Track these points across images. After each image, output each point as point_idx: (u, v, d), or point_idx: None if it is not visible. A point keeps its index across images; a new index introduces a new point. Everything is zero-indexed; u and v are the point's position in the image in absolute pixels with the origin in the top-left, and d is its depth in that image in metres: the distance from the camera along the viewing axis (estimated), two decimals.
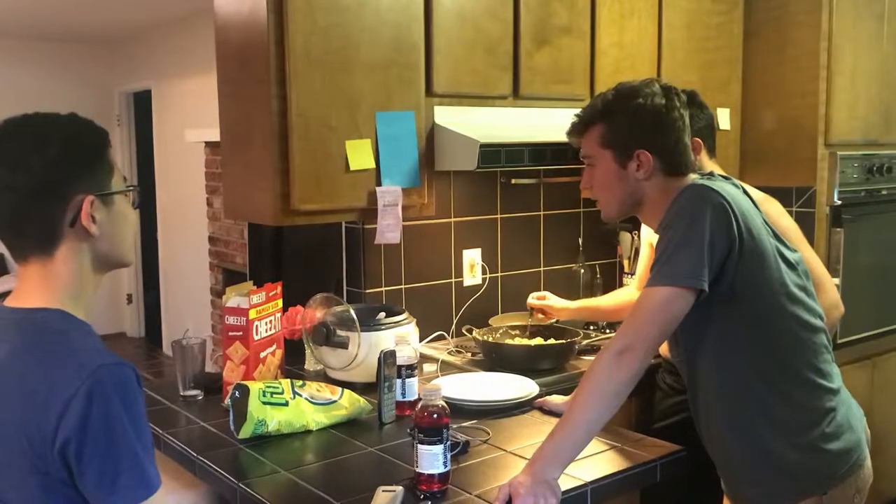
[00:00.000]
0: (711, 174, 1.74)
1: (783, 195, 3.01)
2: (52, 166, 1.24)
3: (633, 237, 2.97)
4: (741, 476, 1.72)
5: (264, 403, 1.83)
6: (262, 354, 2.09)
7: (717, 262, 1.55)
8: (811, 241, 2.96)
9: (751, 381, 1.64)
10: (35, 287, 1.28)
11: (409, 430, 1.66)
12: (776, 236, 1.66)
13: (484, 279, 2.83)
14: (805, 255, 2.18)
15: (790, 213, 2.97)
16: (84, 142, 1.29)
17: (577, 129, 1.78)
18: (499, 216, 2.88)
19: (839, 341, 2.96)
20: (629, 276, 2.95)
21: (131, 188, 1.36)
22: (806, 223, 2.97)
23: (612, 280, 3.13)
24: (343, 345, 2.16)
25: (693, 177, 1.71)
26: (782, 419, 1.64)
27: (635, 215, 1.79)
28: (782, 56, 3.03)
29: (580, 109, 1.79)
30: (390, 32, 2.26)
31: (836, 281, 2.97)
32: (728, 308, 1.61)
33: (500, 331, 2.55)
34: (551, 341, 2.46)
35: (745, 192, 1.71)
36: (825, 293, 2.18)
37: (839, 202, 3.00)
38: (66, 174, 1.25)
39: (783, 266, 1.63)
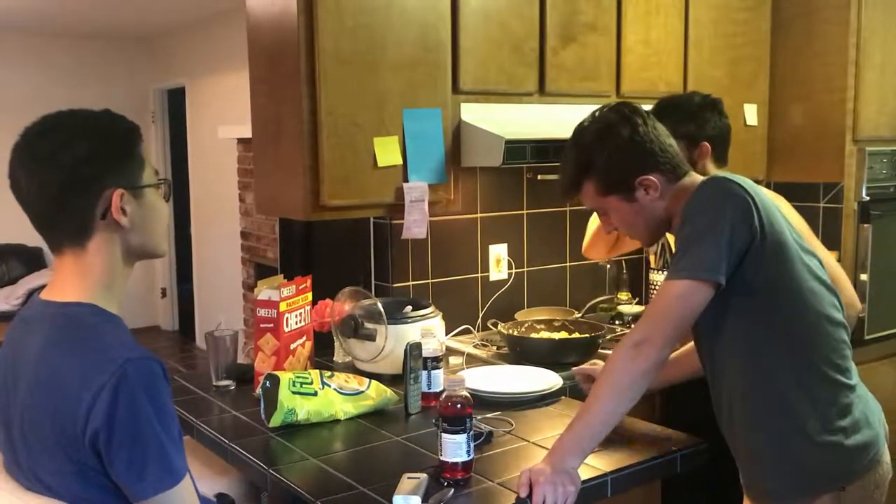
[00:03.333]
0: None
1: (810, 191, 3.02)
2: (82, 161, 1.29)
3: None
4: (759, 469, 1.72)
5: (294, 393, 1.88)
6: (293, 346, 2.15)
7: (736, 255, 1.55)
8: (838, 237, 2.96)
9: (770, 375, 1.64)
10: (69, 279, 1.33)
11: (433, 420, 1.71)
12: (792, 228, 1.66)
13: (510, 274, 2.86)
14: (819, 254, 2.19)
15: (817, 209, 2.98)
16: (115, 137, 1.34)
17: (570, 192, 1.78)
18: (525, 212, 2.90)
19: (866, 337, 2.95)
20: (655, 271, 2.97)
21: (162, 181, 1.40)
22: (833, 219, 2.96)
23: (638, 276, 3.15)
24: (371, 337, 2.21)
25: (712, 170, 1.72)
26: (801, 414, 1.63)
27: (669, 232, 1.78)
28: (810, 51, 3.02)
29: (559, 175, 1.79)
30: (417, 32, 2.30)
31: (864, 277, 2.97)
32: (749, 302, 1.61)
33: (526, 325, 2.58)
34: (576, 335, 2.49)
35: None
36: (841, 292, 2.17)
37: (867, 198, 2.98)
38: (96, 168, 1.30)
39: (804, 258, 1.63)
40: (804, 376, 1.63)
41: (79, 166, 1.29)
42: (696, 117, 2.22)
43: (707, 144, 2.21)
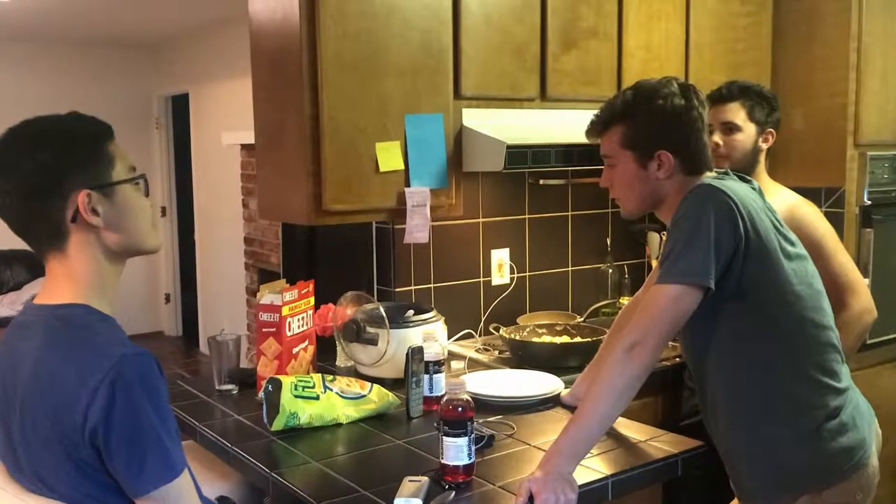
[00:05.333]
0: (727, 173, 1.76)
1: (812, 195, 3.00)
2: (42, 167, 1.29)
3: (661, 237, 2.99)
4: (743, 469, 1.75)
5: (296, 397, 1.89)
6: (295, 350, 2.16)
7: (723, 259, 1.58)
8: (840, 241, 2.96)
9: (754, 377, 1.67)
10: (59, 282, 1.35)
11: (435, 424, 1.71)
12: (784, 235, 1.68)
13: (512, 279, 2.87)
14: (840, 260, 2.21)
15: None
16: (77, 139, 1.34)
17: (597, 128, 1.80)
18: (527, 216, 2.91)
19: (868, 342, 2.94)
20: None
21: (136, 178, 1.39)
22: (835, 224, 2.93)
23: (640, 280, 3.13)
24: (373, 341, 2.22)
25: (708, 175, 1.74)
26: (784, 415, 1.66)
27: (654, 212, 1.82)
28: (811, 56, 3.03)
29: (599, 108, 1.82)
30: (419, 38, 2.31)
31: (866, 281, 2.96)
32: (735, 305, 1.64)
33: (528, 329, 2.59)
34: (578, 339, 2.50)
35: (760, 192, 1.74)
36: (858, 298, 2.20)
37: (869, 202, 2.99)
38: (56, 173, 1.30)
39: (789, 264, 1.65)
40: (787, 378, 1.66)
41: (40, 172, 1.30)
42: (768, 105, 2.40)
43: (773, 132, 2.39)
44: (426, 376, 2.04)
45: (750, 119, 2.36)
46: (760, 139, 2.38)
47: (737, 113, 2.36)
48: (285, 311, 2.11)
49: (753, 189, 1.73)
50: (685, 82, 1.77)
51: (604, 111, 1.79)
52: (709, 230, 1.57)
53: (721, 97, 2.40)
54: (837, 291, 2.15)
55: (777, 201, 2.12)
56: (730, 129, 2.36)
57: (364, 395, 1.99)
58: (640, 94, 1.75)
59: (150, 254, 1.44)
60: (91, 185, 1.32)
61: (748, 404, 1.70)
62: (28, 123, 1.34)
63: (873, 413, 1.78)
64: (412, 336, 2.18)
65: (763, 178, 2.38)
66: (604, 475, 1.64)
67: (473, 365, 2.44)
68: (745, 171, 2.04)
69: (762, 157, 2.40)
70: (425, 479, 1.57)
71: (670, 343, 1.98)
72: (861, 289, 2.22)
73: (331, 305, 2.37)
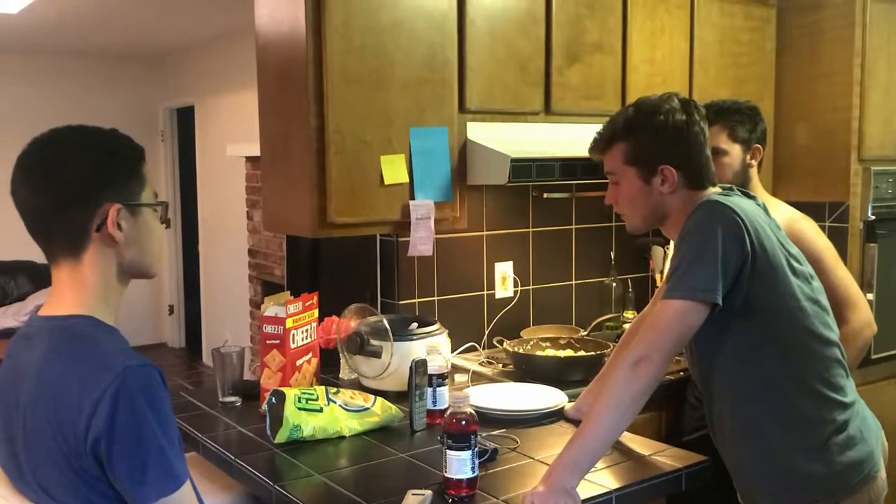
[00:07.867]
0: (731, 188, 1.77)
1: (816, 210, 3.02)
2: (85, 173, 1.32)
3: (664, 251, 2.99)
4: (753, 485, 1.75)
5: (300, 409, 1.89)
6: (299, 362, 2.16)
7: (730, 276, 1.59)
8: (844, 256, 2.96)
9: (762, 392, 1.67)
10: (66, 292, 1.36)
11: (438, 437, 1.71)
12: (788, 251, 1.69)
13: (516, 292, 2.87)
14: (839, 275, 2.21)
15: (823, 228, 2.98)
16: (119, 154, 1.37)
17: (600, 146, 1.81)
18: (530, 230, 2.92)
19: (872, 357, 2.94)
20: None
21: (160, 203, 1.43)
22: (839, 238, 2.96)
23: (644, 294, 3.15)
24: (376, 354, 2.22)
25: (713, 190, 1.74)
26: (792, 431, 1.66)
27: (659, 228, 1.83)
28: (815, 71, 3.04)
29: (601, 126, 1.82)
30: (424, 51, 2.32)
31: (870, 296, 2.96)
32: (742, 321, 1.64)
33: (531, 342, 2.59)
34: (581, 353, 2.49)
35: (765, 209, 1.74)
36: (858, 312, 2.20)
37: (873, 217, 2.99)
38: (97, 182, 1.33)
39: (795, 280, 1.65)
40: (792, 393, 1.66)
41: (81, 178, 1.32)
42: (749, 121, 2.34)
43: (760, 147, 2.34)
44: (430, 389, 2.03)
45: (732, 140, 2.31)
46: (748, 156, 2.34)
47: (718, 136, 2.29)
48: (289, 323, 2.11)
49: (758, 205, 1.73)
50: (686, 98, 1.77)
51: (605, 129, 1.80)
52: (716, 246, 1.57)
53: None
54: (837, 306, 2.15)
55: (775, 216, 2.13)
56: (715, 153, 2.24)
57: (367, 408, 1.99)
58: (641, 110, 1.76)
59: (149, 278, 1.46)
60: (122, 201, 1.35)
61: (755, 419, 1.69)
62: (71, 129, 1.37)
63: (880, 426, 1.78)
64: (416, 349, 2.18)
65: (759, 193, 2.37)
66: (607, 489, 1.63)
67: (477, 378, 2.43)
68: None
69: (754, 173, 2.36)
70: (429, 492, 1.57)
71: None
72: (860, 303, 2.22)
73: (334, 318, 2.38)
